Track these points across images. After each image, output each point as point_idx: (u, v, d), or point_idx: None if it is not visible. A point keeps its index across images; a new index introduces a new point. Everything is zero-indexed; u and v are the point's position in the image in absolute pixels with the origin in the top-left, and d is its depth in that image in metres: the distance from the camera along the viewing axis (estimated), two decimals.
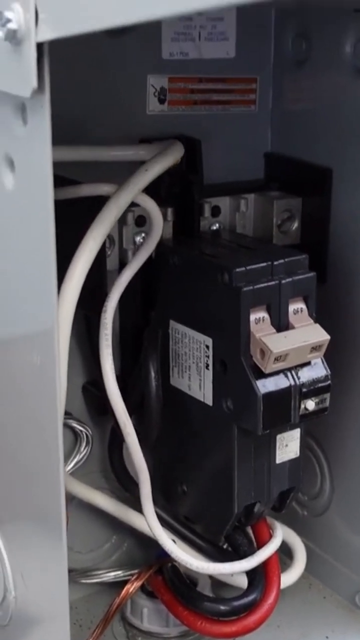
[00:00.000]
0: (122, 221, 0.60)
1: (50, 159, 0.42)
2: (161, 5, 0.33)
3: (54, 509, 0.48)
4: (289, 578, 0.71)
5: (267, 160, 0.71)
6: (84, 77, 0.62)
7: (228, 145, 0.69)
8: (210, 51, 0.66)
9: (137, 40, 0.63)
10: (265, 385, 0.56)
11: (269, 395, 0.56)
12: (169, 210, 0.63)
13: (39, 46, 0.40)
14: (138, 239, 0.61)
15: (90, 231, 0.53)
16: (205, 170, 0.65)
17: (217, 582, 0.70)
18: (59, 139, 0.58)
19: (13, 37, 0.40)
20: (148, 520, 0.62)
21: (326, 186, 0.66)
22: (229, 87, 0.68)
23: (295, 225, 0.68)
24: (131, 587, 0.65)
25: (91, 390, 0.67)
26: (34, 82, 0.40)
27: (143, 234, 0.61)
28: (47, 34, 0.39)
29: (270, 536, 0.65)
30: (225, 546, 0.67)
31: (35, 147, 0.43)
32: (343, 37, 0.63)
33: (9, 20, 0.40)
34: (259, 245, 0.63)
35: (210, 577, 0.69)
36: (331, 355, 0.60)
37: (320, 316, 0.60)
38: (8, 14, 0.40)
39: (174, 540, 0.64)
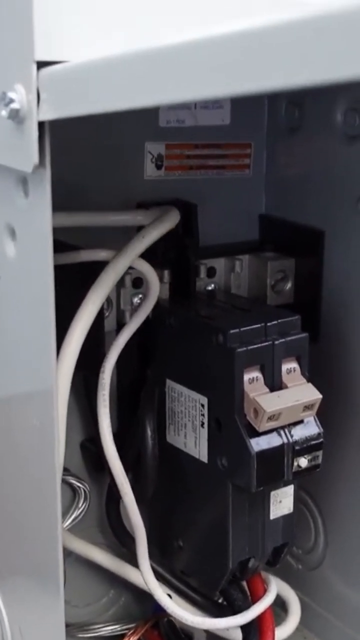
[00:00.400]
0: (119, 283, 0.62)
1: (50, 229, 0.44)
2: (160, 93, 0.35)
3: (52, 565, 0.49)
4: (283, 632, 0.71)
5: (261, 222, 0.73)
6: (84, 144, 0.64)
7: (223, 208, 0.71)
8: (205, 118, 0.68)
9: (135, 109, 0.65)
10: (259, 444, 0.58)
11: (263, 454, 0.58)
12: (166, 272, 0.65)
13: (41, 125, 0.42)
14: (135, 300, 0.63)
15: (89, 295, 0.55)
16: (201, 232, 0.67)
17: (213, 636, 0.71)
18: (58, 204, 0.60)
19: (16, 116, 0.42)
20: (144, 576, 0.63)
21: (319, 247, 0.68)
22: (224, 152, 0.70)
23: (289, 285, 0.70)
24: None
25: (89, 447, 0.68)
26: (35, 159, 0.42)
27: (140, 295, 0.63)
28: (48, 114, 0.41)
29: (265, 591, 0.66)
30: (220, 600, 0.68)
31: (36, 218, 0.45)
32: (334, 106, 0.65)
33: (12, 100, 0.42)
34: (253, 306, 0.65)
35: (206, 631, 0.70)
36: (324, 413, 0.62)
37: (313, 374, 0.61)
38: (11, 94, 0.42)
39: (169, 595, 0.66)
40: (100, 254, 0.57)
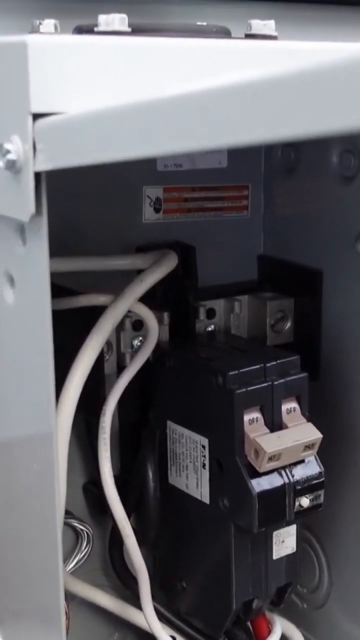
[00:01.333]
0: (119, 326, 0.63)
1: (48, 276, 0.45)
2: (152, 145, 0.36)
3: (54, 609, 0.49)
4: None
5: (260, 263, 0.74)
6: (83, 189, 0.65)
7: (222, 249, 0.72)
8: (203, 162, 0.69)
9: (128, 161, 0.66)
10: (260, 484, 0.58)
11: (264, 494, 0.58)
12: (165, 314, 0.65)
13: (37, 175, 0.43)
14: (135, 342, 0.64)
15: (89, 340, 0.55)
16: (200, 274, 0.68)
17: None
18: (58, 248, 0.61)
19: (12, 167, 0.43)
20: (147, 619, 0.63)
21: (317, 287, 0.69)
22: (222, 194, 0.71)
23: (288, 324, 0.71)
24: None
25: (91, 490, 0.68)
26: (32, 208, 0.43)
27: (140, 338, 0.64)
28: (44, 164, 0.42)
29: (269, 631, 0.66)
30: None
31: (33, 265, 0.46)
32: (330, 148, 0.66)
33: (8, 152, 0.43)
34: (252, 347, 0.65)
35: None
36: (326, 452, 0.62)
37: (313, 413, 0.62)
38: (8, 146, 0.43)
39: (174, 637, 0.65)
40: (99, 299, 0.57)
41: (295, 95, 0.27)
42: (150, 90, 0.36)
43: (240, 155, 0.71)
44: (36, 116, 0.42)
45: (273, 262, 0.73)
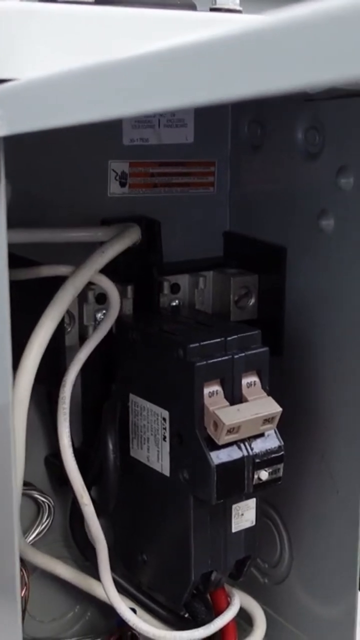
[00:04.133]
0: (82, 299, 0.63)
1: (5, 245, 0.45)
2: (107, 108, 0.36)
3: (9, 581, 0.49)
4: None
5: (225, 239, 0.74)
6: (48, 162, 0.65)
7: (188, 225, 0.72)
8: (169, 137, 0.69)
9: (99, 128, 0.66)
10: (219, 457, 0.58)
11: (223, 466, 0.58)
12: (129, 288, 0.65)
13: None
14: (99, 315, 0.64)
15: (48, 310, 0.55)
16: (166, 249, 0.68)
17: None
18: (23, 220, 0.61)
19: None
20: (106, 589, 0.63)
21: (281, 264, 0.69)
22: (188, 170, 0.71)
23: (252, 301, 0.71)
24: None
25: (53, 462, 0.68)
26: None
27: (104, 311, 0.64)
28: (2, 130, 0.42)
29: (228, 604, 0.66)
30: (185, 615, 0.69)
31: None
32: (295, 124, 0.67)
33: None
34: (215, 322, 0.65)
35: None
36: (287, 426, 0.62)
37: (277, 388, 0.62)
38: None
39: (134, 609, 0.66)
40: (60, 269, 0.57)
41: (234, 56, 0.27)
42: (105, 54, 0.36)
43: (207, 131, 0.71)
44: None
45: (238, 239, 0.74)
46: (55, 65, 0.42)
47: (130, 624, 0.63)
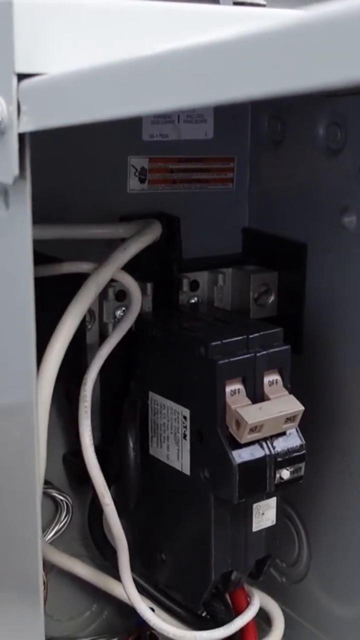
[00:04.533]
0: (102, 296, 0.62)
1: (31, 241, 0.45)
2: (135, 104, 0.35)
3: (32, 579, 0.49)
4: None
5: (245, 236, 0.74)
6: (68, 158, 0.64)
7: (207, 221, 0.72)
8: (188, 133, 0.69)
9: (118, 123, 0.65)
10: (241, 455, 0.58)
11: (245, 465, 0.58)
12: (149, 285, 0.65)
13: (21, 136, 0.42)
14: (119, 312, 0.63)
15: (70, 308, 0.55)
16: (185, 246, 0.67)
17: None
18: (42, 216, 0.60)
19: None
20: (126, 589, 0.63)
21: (301, 261, 0.69)
22: (208, 166, 0.71)
23: (272, 298, 0.70)
24: None
25: (72, 461, 0.68)
26: (15, 170, 0.42)
27: (123, 308, 0.63)
28: (28, 125, 0.41)
29: (248, 604, 0.66)
30: (204, 614, 0.68)
31: (16, 229, 0.46)
32: (316, 120, 0.66)
33: None
34: (235, 319, 0.65)
35: None
36: (308, 425, 0.62)
37: (296, 386, 0.61)
38: None
39: (152, 609, 0.65)
40: (82, 266, 0.57)
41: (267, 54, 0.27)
42: (133, 50, 0.35)
43: (226, 127, 0.71)
44: (21, 77, 0.41)
45: (258, 235, 0.73)
46: (81, 61, 0.41)
47: (151, 624, 0.63)
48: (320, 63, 0.26)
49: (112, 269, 0.56)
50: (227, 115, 0.71)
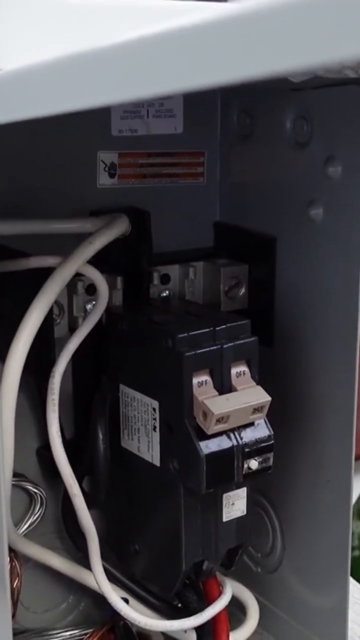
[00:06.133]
0: (72, 290, 0.63)
1: None
2: (87, 97, 0.36)
3: None
4: (242, 634, 0.72)
5: (216, 230, 0.74)
6: (36, 153, 0.65)
7: (178, 215, 0.72)
8: (158, 127, 0.69)
9: (87, 119, 0.66)
10: (208, 446, 0.59)
11: (212, 456, 0.58)
12: (118, 279, 0.65)
13: None
14: (89, 306, 0.64)
15: (36, 301, 0.55)
16: (156, 240, 0.68)
17: None
18: (10, 211, 0.61)
19: None
20: (97, 578, 0.64)
21: (271, 254, 0.69)
22: (178, 160, 0.71)
23: (243, 291, 0.71)
24: None
25: (45, 454, 0.68)
26: None
27: (94, 302, 0.64)
28: None
29: (220, 593, 0.67)
30: (178, 604, 0.69)
31: None
32: (283, 114, 0.67)
33: None
34: (204, 312, 0.65)
35: (164, 634, 0.71)
36: (279, 416, 0.63)
37: (267, 379, 0.62)
38: None
39: (127, 599, 0.66)
40: (48, 260, 0.58)
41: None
42: (86, 44, 0.36)
43: (196, 122, 0.71)
44: None
45: (228, 229, 0.74)
46: (34, 55, 0.42)
47: (122, 613, 0.64)
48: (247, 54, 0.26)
49: (78, 262, 0.57)
50: (197, 109, 0.71)
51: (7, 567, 0.49)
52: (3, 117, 0.41)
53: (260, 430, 0.61)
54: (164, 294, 0.70)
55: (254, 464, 0.61)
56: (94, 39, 0.44)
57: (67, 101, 0.37)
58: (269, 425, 0.61)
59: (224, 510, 0.64)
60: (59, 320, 0.63)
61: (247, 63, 0.27)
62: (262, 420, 0.61)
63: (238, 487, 0.64)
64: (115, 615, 0.66)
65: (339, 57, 0.24)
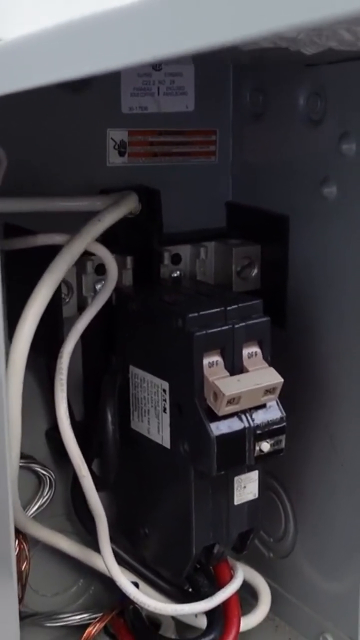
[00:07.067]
0: (81, 269, 0.62)
1: None
2: (87, 64, 0.35)
3: (4, 552, 0.49)
4: (254, 619, 0.71)
5: (228, 209, 0.73)
6: (46, 131, 0.64)
7: (189, 195, 0.71)
8: (169, 105, 0.68)
9: (97, 96, 0.65)
10: (219, 428, 0.58)
11: (223, 437, 0.58)
12: (128, 259, 0.64)
13: None
14: (98, 286, 0.63)
15: (43, 279, 0.54)
16: (167, 220, 0.67)
17: (184, 625, 0.71)
18: (20, 189, 0.60)
19: None
20: (106, 561, 0.63)
21: (283, 233, 0.68)
22: (189, 139, 0.70)
23: (255, 271, 0.70)
24: (93, 630, 0.65)
25: (54, 436, 0.68)
26: None
27: (103, 282, 0.63)
28: None
29: (231, 577, 0.66)
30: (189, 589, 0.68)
31: None
32: (297, 91, 0.65)
33: None
34: (216, 292, 0.64)
35: (175, 618, 0.70)
36: (291, 398, 0.62)
37: (280, 360, 0.61)
38: None
39: (136, 583, 0.65)
40: (56, 238, 0.57)
41: None
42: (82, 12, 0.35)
43: (208, 100, 0.70)
44: None
45: (241, 209, 0.73)
46: (33, 24, 0.41)
47: (132, 597, 0.63)
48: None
49: (86, 239, 0.56)
50: (209, 87, 0.70)
51: (14, 549, 0.48)
52: (6, 88, 0.40)
53: (272, 412, 0.60)
54: (175, 274, 0.69)
55: (265, 446, 0.60)
56: (93, 3, 0.43)
57: (69, 68, 0.36)
58: (281, 407, 0.60)
59: (236, 493, 0.63)
60: (67, 300, 0.62)
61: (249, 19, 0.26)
62: (274, 402, 0.60)
63: (250, 470, 0.63)
64: (124, 599, 0.65)
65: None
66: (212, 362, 0.58)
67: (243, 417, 0.59)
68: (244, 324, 0.59)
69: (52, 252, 0.57)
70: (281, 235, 0.68)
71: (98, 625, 0.66)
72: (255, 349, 0.60)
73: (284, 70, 0.66)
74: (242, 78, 0.70)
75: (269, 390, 0.59)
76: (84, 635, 0.65)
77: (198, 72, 0.69)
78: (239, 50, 0.47)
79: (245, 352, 0.60)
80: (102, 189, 0.65)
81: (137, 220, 0.64)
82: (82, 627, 0.70)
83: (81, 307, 0.63)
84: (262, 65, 0.68)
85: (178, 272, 0.69)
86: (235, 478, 0.62)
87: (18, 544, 0.64)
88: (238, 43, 0.26)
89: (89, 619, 0.70)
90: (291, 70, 0.65)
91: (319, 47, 0.47)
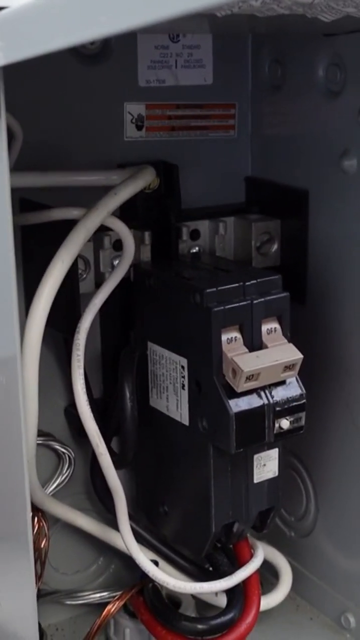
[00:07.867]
0: (98, 245, 0.62)
1: (8, 181, 0.43)
2: (100, 26, 0.34)
3: (21, 528, 0.49)
4: (275, 598, 0.71)
5: (247, 184, 0.72)
6: (63, 105, 0.63)
7: (208, 170, 0.70)
8: (187, 78, 0.67)
9: (113, 68, 0.64)
10: (238, 405, 0.57)
11: (242, 414, 0.57)
12: (146, 234, 0.64)
13: None
14: (116, 262, 0.62)
15: (59, 253, 0.54)
16: (186, 195, 0.66)
17: (204, 604, 0.70)
18: (36, 164, 0.60)
19: None
20: (125, 539, 0.62)
21: (303, 208, 0.67)
22: (207, 112, 0.69)
23: (275, 247, 0.69)
24: (112, 608, 0.65)
25: (73, 413, 0.67)
26: None
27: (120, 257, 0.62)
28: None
29: (251, 556, 0.65)
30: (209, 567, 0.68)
31: None
32: (315, 62, 0.64)
33: None
34: (235, 268, 0.63)
35: (195, 597, 0.70)
36: (312, 375, 0.61)
37: (300, 337, 0.60)
38: None
39: (156, 562, 0.65)
40: (72, 212, 0.56)
41: None
42: None
43: (226, 72, 0.69)
44: None
45: (260, 184, 0.71)
46: None
47: (151, 575, 0.62)
48: None
49: (102, 213, 0.55)
50: (227, 60, 0.69)
51: (30, 526, 0.48)
52: (16, 55, 0.40)
53: (292, 389, 0.59)
54: (194, 250, 0.68)
55: (285, 423, 0.59)
56: None
57: (75, 32, 0.35)
58: (300, 384, 0.60)
59: (255, 471, 0.62)
60: (85, 276, 0.61)
61: None
62: (294, 379, 0.59)
63: (269, 447, 0.62)
64: (144, 577, 0.65)
65: None
66: (230, 338, 0.57)
67: (262, 393, 0.58)
68: (262, 299, 0.59)
69: (68, 227, 0.56)
70: (301, 210, 0.67)
71: (118, 603, 0.65)
72: (274, 324, 0.59)
73: (302, 41, 0.65)
74: (261, 50, 0.69)
75: (288, 367, 0.58)
76: (104, 613, 0.65)
77: (216, 45, 0.68)
78: (256, 19, 0.46)
79: (265, 328, 0.59)
80: (120, 164, 0.65)
81: (155, 195, 0.64)
82: (102, 605, 0.69)
83: (99, 283, 0.62)
84: (280, 36, 0.67)
85: (197, 248, 0.68)
86: (255, 456, 0.62)
87: (37, 521, 0.63)
88: None
89: (109, 597, 0.70)
90: (309, 40, 0.64)
91: (337, 14, 0.46)
